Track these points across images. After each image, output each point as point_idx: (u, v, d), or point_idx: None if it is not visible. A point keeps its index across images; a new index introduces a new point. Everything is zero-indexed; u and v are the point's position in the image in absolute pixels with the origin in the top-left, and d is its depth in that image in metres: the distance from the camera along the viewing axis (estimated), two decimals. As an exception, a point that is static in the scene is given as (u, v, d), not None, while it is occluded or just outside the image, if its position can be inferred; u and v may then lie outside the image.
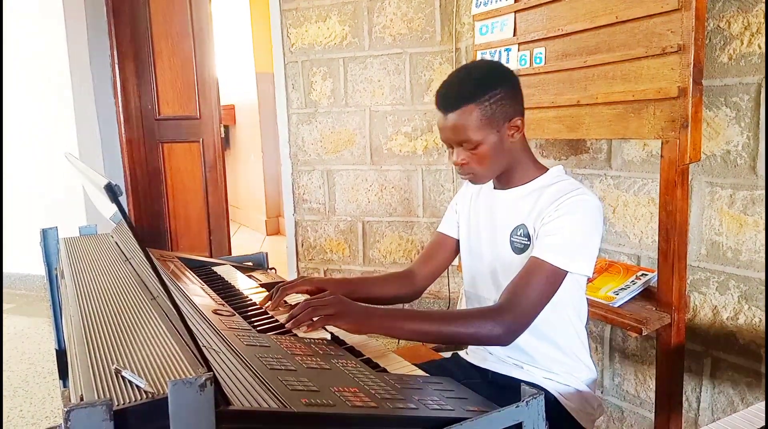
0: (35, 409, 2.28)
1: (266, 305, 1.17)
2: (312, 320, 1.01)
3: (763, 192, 1.49)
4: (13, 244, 3.68)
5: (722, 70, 1.54)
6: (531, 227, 1.16)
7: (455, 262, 1.42)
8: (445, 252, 1.38)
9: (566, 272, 1.09)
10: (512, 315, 1.05)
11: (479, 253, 1.28)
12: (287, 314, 1.06)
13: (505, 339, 1.06)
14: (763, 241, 1.50)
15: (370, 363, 0.96)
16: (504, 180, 1.23)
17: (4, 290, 3.82)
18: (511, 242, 1.19)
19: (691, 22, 1.36)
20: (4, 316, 3.41)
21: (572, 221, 1.10)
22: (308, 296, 1.19)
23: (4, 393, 2.41)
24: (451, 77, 1.19)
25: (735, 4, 1.51)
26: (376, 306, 1.10)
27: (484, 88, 1.12)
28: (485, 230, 1.27)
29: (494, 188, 1.27)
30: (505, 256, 1.20)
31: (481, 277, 1.29)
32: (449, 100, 1.14)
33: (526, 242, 1.16)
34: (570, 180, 1.18)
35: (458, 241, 1.37)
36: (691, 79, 1.37)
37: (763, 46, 1.45)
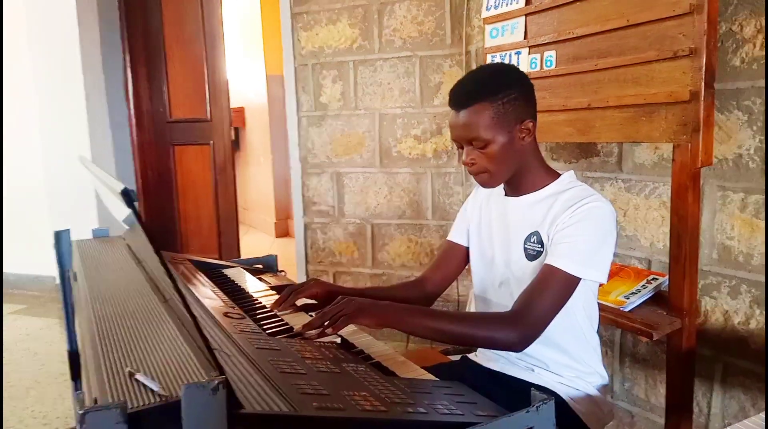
0: (47, 409, 2.30)
1: (279, 308, 1.18)
2: (333, 324, 1.01)
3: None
4: (26, 246, 3.72)
5: (734, 74, 1.54)
6: (545, 234, 1.15)
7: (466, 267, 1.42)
8: (454, 260, 1.38)
9: (579, 279, 1.09)
10: (527, 322, 1.05)
11: (491, 259, 1.28)
12: (302, 323, 1.06)
13: (519, 346, 1.06)
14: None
15: (379, 367, 0.96)
16: (515, 186, 1.23)
17: (17, 291, 3.86)
18: (525, 249, 1.19)
19: (703, 26, 1.35)
20: (17, 317, 3.45)
21: (585, 228, 1.10)
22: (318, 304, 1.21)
23: (17, 393, 2.43)
24: (466, 76, 1.20)
25: (748, 8, 1.50)
26: (388, 302, 1.10)
27: (498, 87, 1.13)
28: (498, 237, 1.26)
29: (505, 195, 1.26)
30: (518, 263, 1.20)
31: (492, 284, 1.28)
32: (463, 98, 1.14)
33: (539, 249, 1.16)
34: (583, 186, 1.18)
35: (468, 248, 1.37)
36: (703, 83, 1.36)
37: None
